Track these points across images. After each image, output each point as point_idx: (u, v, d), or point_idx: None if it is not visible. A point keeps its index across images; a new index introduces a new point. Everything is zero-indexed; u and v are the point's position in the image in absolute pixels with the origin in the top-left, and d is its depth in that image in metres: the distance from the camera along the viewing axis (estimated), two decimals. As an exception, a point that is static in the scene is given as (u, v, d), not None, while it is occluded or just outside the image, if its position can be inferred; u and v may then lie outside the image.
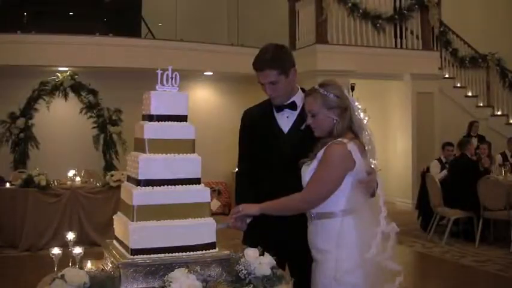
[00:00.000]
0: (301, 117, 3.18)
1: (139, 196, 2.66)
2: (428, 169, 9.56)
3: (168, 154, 2.76)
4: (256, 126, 3.40)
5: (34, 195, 8.08)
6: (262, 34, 11.36)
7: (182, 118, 2.85)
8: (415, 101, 11.89)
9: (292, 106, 3.32)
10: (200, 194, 2.78)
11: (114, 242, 2.89)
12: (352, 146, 2.89)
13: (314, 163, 2.94)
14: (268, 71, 3.21)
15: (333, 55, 11.10)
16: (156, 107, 2.80)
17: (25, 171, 8.68)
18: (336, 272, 2.87)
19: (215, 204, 10.12)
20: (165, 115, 2.81)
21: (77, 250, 2.98)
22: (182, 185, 2.76)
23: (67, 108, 10.10)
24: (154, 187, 2.71)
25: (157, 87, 2.83)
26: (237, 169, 3.60)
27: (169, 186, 2.73)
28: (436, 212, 8.89)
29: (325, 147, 2.92)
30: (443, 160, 9.59)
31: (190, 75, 11.24)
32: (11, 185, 8.39)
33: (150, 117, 2.80)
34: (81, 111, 9.92)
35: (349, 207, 2.91)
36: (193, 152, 2.84)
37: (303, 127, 3.11)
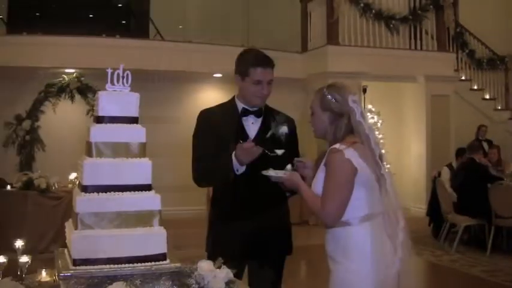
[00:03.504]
0: (265, 125, 3.24)
1: (83, 203, 2.51)
2: (439, 174, 9.30)
3: (116, 158, 2.60)
4: (220, 128, 3.34)
5: (33, 198, 7.99)
6: (273, 35, 11.18)
7: (133, 120, 2.68)
8: (429, 103, 11.63)
9: (259, 112, 3.36)
10: (150, 201, 2.61)
11: (65, 250, 2.75)
12: (351, 153, 2.80)
13: (319, 174, 2.89)
14: (270, 69, 3.31)
15: (345, 57, 10.92)
16: (104, 108, 2.66)
17: (28, 174, 8.58)
18: (345, 283, 2.83)
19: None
20: (115, 116, 2.65)
21: (24, 259, 2.90)
22: (131, 191, 2.59)
23: (73, 110, 9.97)
24: (100, 193, 2.54)
25: (107, 86, 2.69)
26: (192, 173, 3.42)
27: (117, 192, 2.56)
28: (446, 219, 8.62)
29: (325, 156, 2.87)
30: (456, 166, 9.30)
31: (199, 77, 11.14)
32: (12, 187, 8.29)
33: (99, 119, 2.66)
34: (87, 113, 9.78)
35: (359, 216, 2.84)
36: (144, 156, 2.66)
37: (268, 135, 3.13)
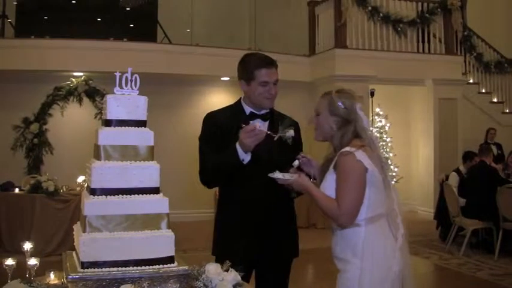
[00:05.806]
0: (272, 128, 3.20)
1: (91, 205, 2.52)
2: (447, 178, 9.24)
3: (124, 161, 2.61)
4: (228, 131, 3.30)
5: (41, 201, 8.00)
6: (280, 38, 11.17)
7: (141, 123, 2.68)
8: (437, 107, 11.59)
9: (266, 116, 3.35)
10: (158, 204, 2.61)
11: (74, 253, 2.76)
12: (360, 154, 2.87)
13: (329, 177, 2.94)
14: (275, 69, 3.30)
15: (352, 60, 10.91)
16: (112, 111, 2.66)
17: (37, 177, 8.61)
18: (355, 281, 2.85)
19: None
20: (123, 120, 2.65)
21: (32, 261, 2.91)
22: (139, 194, 2.59)
23: (81, 113, 10.00)
24: (108, 196, 2.55)
25: (115, 90, 2.68)
26: (200, 175, 3.39)
27: (125, 195, 2.57)
28: (454, 223, 8.57)
29: (335, 159, 2.93)
30: (463, 171, 9.22)
31: (207, 80, 11.15)
32: (20, 190, 8.33)
33: (107, 122, 2.66)
34: (95, 117, 9.79)
35: (368, 217, 2.89)
36: (152, 159, 2.68)
37: (275, 138, 3.10)
